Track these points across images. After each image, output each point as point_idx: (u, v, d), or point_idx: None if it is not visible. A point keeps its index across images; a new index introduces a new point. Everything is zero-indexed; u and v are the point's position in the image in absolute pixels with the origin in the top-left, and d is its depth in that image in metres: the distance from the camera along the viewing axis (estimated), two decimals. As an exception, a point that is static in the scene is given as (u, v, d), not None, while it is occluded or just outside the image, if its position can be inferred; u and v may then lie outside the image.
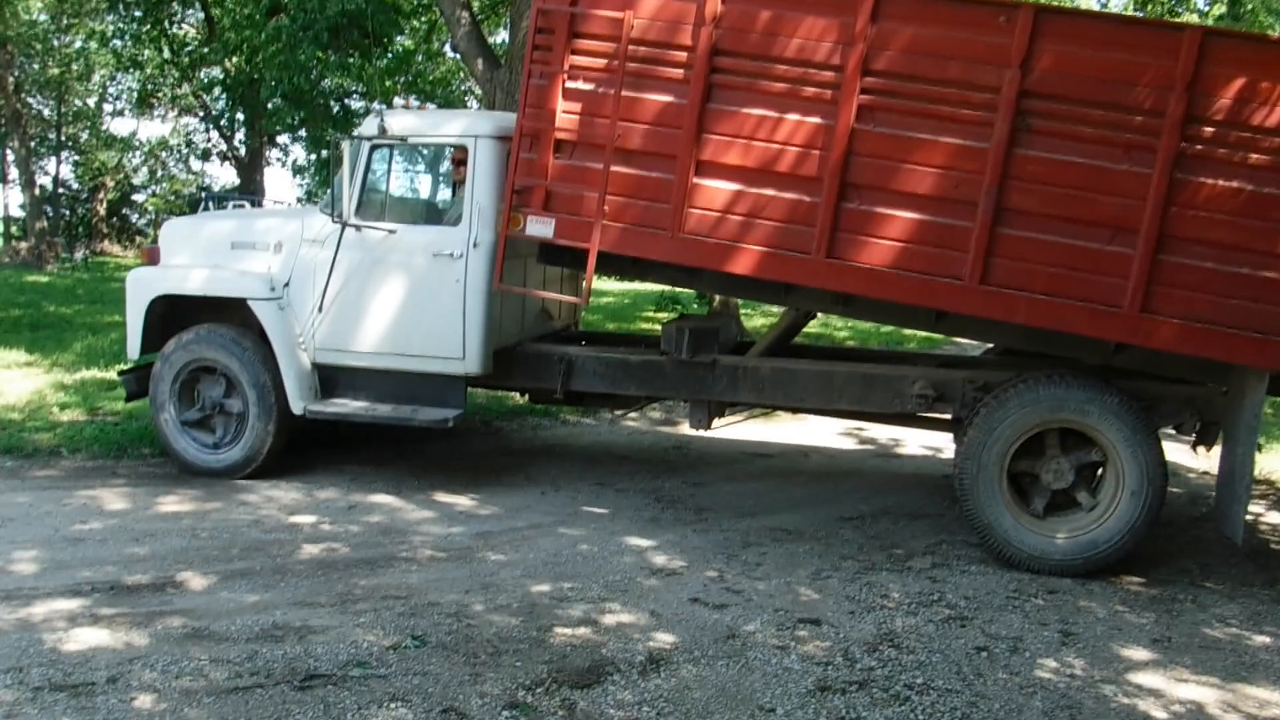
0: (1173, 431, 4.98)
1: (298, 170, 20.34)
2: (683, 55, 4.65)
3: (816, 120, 4.54)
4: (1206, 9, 13.14)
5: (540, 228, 4.91)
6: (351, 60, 12.28)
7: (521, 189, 4.93)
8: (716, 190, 4.69)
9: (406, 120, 5.60)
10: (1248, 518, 4.85)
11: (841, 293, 4.77)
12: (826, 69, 4.50)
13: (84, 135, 26.67)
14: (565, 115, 4.82)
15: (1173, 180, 4.22)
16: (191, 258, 5.83)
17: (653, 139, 4.73)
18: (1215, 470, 4.97)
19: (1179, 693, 3.56)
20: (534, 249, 5.72)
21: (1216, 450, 4.93)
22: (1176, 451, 6.51)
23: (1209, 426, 4.83)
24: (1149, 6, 11.16)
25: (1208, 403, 4.77)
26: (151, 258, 6.00)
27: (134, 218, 29.15)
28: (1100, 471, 4.74)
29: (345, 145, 5.45)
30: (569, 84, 4.79)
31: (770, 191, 4.64)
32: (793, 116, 4.57)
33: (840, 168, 4.50)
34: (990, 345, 5.88)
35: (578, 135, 4.82)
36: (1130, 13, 11.03)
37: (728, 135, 4.64)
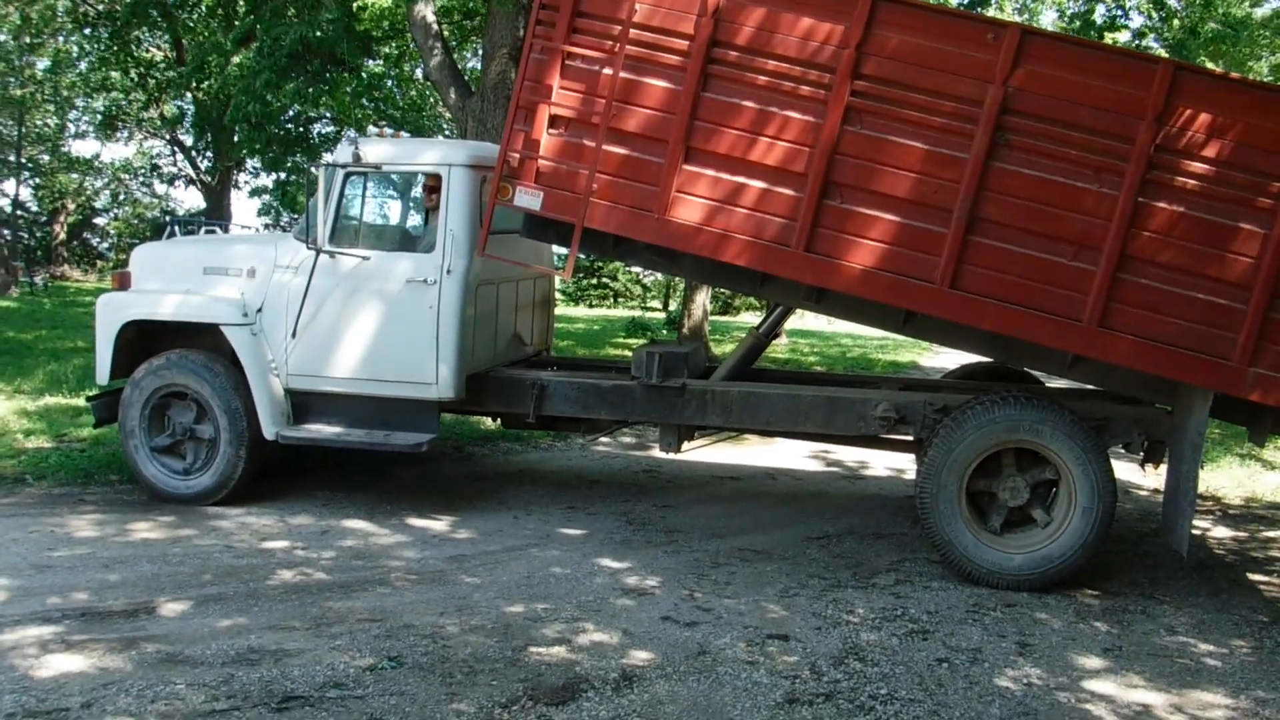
0: (1122, 450, 5.19)
1: (283, 200, 19.95)
2: (682, 44, 4.77)
3: (806, 118, 4.68)
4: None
5: (528, 199, 4.96)
6: (312, 89, 12.32)
7: (513, 160, 4.97)
8: (704, 177, 4.81)
9: (381, 148, 5.69)
10: (1193, 532, 5.08)
11: (816, 286, 4.90)
12: (819, 69, 4.65)
13: (45, 157, 26.30)
14: (562, 91, 4.90)
15: (1136, 204, 4.44)
16: (163, 283, 5.84)
17: (646, 122, 4.83)
18: (1163, 487, 5.18)
19: (1130, 698, 3.73)
20: (502, 277, 5.85)
21: (1165, 468, 5.15)
22: (1127, 469, 6.76)
23: (1156, 445, 5.05)
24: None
25: (1154, 422, 5.00)
26: (123, 282, 6.00)
27: (95, 241, 28.72)
28: (1054, 489, 4.93)
29: (320, 172, 5.53)
30: (568, 61, 4.88)
31: (756, 183, 4.76)
32: (783, 112, 4.71)
33: (825, 165, 4.64)
34: (951, 370, 6.09)
35: (572, 112, 4.90)
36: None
37: (719, 125, 4.76)
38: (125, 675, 3.53)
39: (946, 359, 13.29)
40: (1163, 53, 12.53)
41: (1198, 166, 4.42)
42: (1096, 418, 4.92)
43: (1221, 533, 6.22)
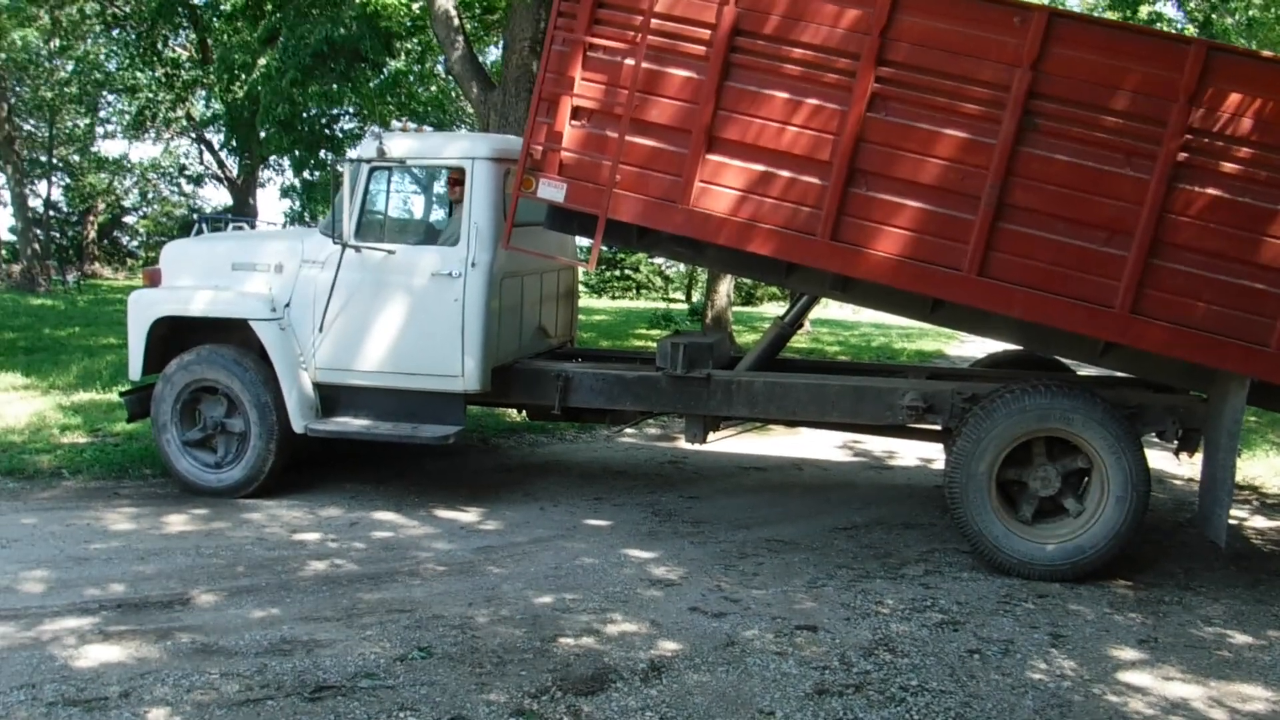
0: (1156, 439, 5.10)
1: (308, 201, 19.87)
2: (704, 33, 4.73)
3: (830, 105, 4.64)
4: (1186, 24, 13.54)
5: (552, 191, 4.95)
6: (335, 87, 12.40)
7: (536, 153, 4.95)
8: (728, 167, 4.77)
9: (405, 142, 5.72)
10: (1231, 522, 4.98)
11: (842, 275, 4.86)
12: (843, 56, 4.61)
13: (75, 158, 26.72)
14: (584, 83, 4.88)
15: (1169, 187, 4.35)
16: (193, 279, 5.91)
17: (669, 112, 4.80)
18: (1199, 476, 5.09)
19: (1165, 690, 3.67)
20: (526, 269, 5.85)
21: (1200, 456, 5.06)
22: (1162, 458, 6.65)
23: (1190, 433, 4.96)
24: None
25: (1189, 410, 4.91)
26: (153, 279, 6.08)
27: (125, 240, 29.18)
28: (1086, 479, 4.85)
29: (345, 167, 5.56)
30: (590, 53, 4.87)
31: (780, 172, 4.73)
32: (807, 100, 4.67)
33: (850, 153, 4.60)
34: (980, 358, 6.01)
35: (595, 103, 4.89)
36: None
37: (742, 114, 4.73)
38: (161, 665, 3.59)
39: (972, 348, 13.15)
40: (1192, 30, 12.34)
41: (1232, 148, 4.32)
42: (1129, 406, 4.84)
43: (1259, 522, 6.10)
